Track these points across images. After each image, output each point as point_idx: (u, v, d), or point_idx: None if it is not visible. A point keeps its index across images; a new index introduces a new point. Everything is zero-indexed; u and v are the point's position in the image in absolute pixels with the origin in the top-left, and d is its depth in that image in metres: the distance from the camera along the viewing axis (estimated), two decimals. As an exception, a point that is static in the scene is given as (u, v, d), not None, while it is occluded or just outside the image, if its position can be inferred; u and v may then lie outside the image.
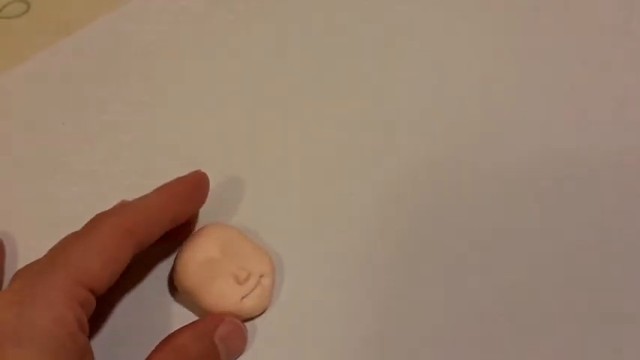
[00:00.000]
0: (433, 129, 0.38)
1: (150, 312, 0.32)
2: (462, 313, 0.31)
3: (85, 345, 0.27)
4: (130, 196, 0.31)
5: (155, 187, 0.31)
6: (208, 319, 0.30)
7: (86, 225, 0.29)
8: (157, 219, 0.30)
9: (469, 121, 0.38)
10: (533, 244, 0.33)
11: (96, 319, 0.31)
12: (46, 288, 0.26)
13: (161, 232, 0.30)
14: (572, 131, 0.37)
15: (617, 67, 0.40)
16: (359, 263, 0.33)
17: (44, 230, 0.29)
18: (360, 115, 0.38)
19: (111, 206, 0.30)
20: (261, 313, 0.31)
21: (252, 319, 0.31)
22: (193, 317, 0.31)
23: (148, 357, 0.28)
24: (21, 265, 0.28)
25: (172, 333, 0.29)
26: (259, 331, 0.31)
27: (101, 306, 0.32)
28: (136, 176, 0.36)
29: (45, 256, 0.28)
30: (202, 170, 0.33)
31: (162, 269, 0.33)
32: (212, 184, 0.33)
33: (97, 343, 0.29)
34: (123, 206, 0.30)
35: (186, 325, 0.29)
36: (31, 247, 0.29)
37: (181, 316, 0.31)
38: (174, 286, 0.32)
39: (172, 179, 0.32)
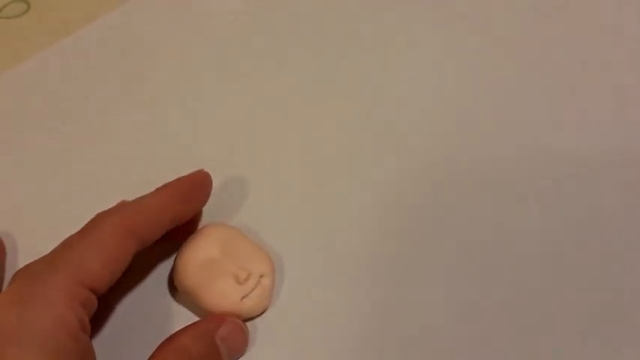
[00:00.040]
0: (433, 129, 0.38)
1: (150, 312, 0.32)
2: (462, 313, 0.31)
3: (86, 345, 0.27)
4: (130, 196, 0.31)
5: (156, 187, 0.31)
6: (210, 319, 0.30)
7: (86, 225, 0.29)
8: (158, 218, 0.30)
9: (469, 121, 0.38)
10: (533, 244, 0.33)
11: (97, 319, 0.31)
12: (46, 288, 0.26)
13: (162, 232, 0.30)
14: (573, 131, 0.37)
15: (617, 67, 0.40)
16: (359, 263, 0.33)
17: (44, 230, 0.29)
18: (360, 115, 0.38)
19: (111, 206, 0.30)
20: (261, 313, 0.31)
21: (252, 319, 0.31)
22: (193, 317, 0.31)
23: (149, 357, 0.28)
24: (21, 264, 0.28)
25: (174, 333, 0.29)
26: (259, 331, 0.31)
27: (102, 306, 0.32)
28: (136, 176, 0.36)
29: (45, 256, 0.28)
30: (205, 170, 0.33)
31: (163, 269, 0.33)
32: (213, 185, 0.33)
33: (98, 343, 0.29)
34: (123, 206, 0.30)
35: (187, 326, 0.29)
36: (31, 247, 0.29)
37: (181, 316, 0.31)
38: (174, 286, 0.32)
39: (174, 179, 0.32)
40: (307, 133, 0.38)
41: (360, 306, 0.32)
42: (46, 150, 0.38)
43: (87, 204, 0.30)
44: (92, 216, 0.29)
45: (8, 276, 0.30)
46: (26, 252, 0.34)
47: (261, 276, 0.31)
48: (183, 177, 0.32)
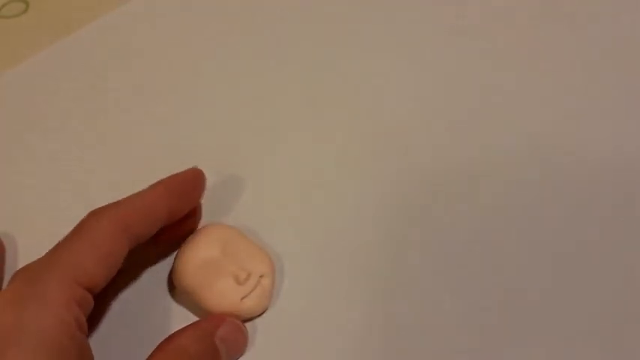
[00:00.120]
0: (433, 129, 0.38)
1: (149, 312, 0.32)
2: (463, 313, 0.31)
3: (83, 345, 0.27)
4: (130, 196, 0.31)
5: (154, 187, 0.31)
6: (209, 319, 0.30)
7: (79, 223, 0.29)
8: (151, 214, 0.29)
9: (469, 121, 0.38)
10: (534, 244, 0.33)
11: (95, 319, 0.32)
12: (44, 288, 0.26)
13: (156, 228, 0.30)
14: (573, 131, 0.37)
15: (617, 66, 0.40)
16: (359, 263, 0.33)
17: (44, 230, 0.29)
18: (361, 115, 0.38)
19: (111, 206, 0.30)
20: (261, 314, 0.31)
21: (252, 319, 0.31)
22: (193, 317, 0.31)
23: (148, 357, 0.28)
24: (21, 265, 0.28)
25: (173, 333, 0.29)
26: (259, 331, 0.31)
27: (101, 306, 0.32)
28: (136, 176, 0.36)
29: (42, 256, 0.28)
30: (199, 168, 0.33)
31: (162, 269, 0.33)
32: (212, 184, 0.33)
33: (97, 343, 0.29)
34: (116, 202, 0.30)
35: (187, 326, 0.29)
36: (31, 247, 0.29)
37: (181, 316, 0.31)
38: (173, 286, 0.32)
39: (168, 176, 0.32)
40: (308, 134, 0.38)
41: (360, 306, 0.32)
42: (45, 150, 0.38)
43: (87, 204, 0.30)
44: (90, 215, 0.29)
45: (8, 276, 0.30)
46: (26, 252, 0.34)
47: (261, 276, 0.31)
48: (176, 174, 0.32)
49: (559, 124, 0.37)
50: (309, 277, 0.33)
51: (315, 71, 0.41)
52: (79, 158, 0.37)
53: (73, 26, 0.43)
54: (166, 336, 0.29)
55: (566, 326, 0.31)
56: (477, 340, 0.30)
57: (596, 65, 0.40)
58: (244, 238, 0.32)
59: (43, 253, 0.28)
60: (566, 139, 0.37)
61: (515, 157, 0.36)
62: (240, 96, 0.40)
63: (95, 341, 0.29)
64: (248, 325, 0.31)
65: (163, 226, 0.30)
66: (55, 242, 0.28)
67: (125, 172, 0.37)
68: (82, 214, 0.29)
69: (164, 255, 0.33)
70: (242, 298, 0.30)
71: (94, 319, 0.31)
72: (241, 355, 0.30)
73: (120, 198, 0.31)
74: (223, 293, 0.30)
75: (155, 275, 0.33)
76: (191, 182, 0.32)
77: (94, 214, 0.29)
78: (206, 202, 0.34)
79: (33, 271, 0.27)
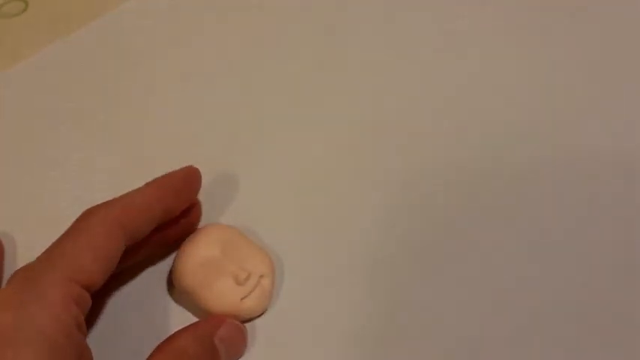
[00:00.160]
0: (433, 129, 0.38)
1: (149, 312, 0.32)
2: (463, 313, 0.31)
3: (82, 344, 0.27)
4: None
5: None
6: (209, 320, 0.30)
7: (75, 221, 0.29)
8: (146, 212, 0.29)
9: (469, 121, 0.38)
10: (534, 245, 0.33)
11: (95, 319, 0.32)
12: (42, 288, 0.26)
13: (151, 226, 0.30)
14: (574, 132, 0.37)
15: (617, 66, 0.40)
16: (359, 264, 0.33)
17: (44, 230, 0.29)
18: (362, 114, 0.38)
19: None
20: (261, 314, 0.31)
21: (251, 319, 0.31)
22: (192, 317, 0.31)
23: (148, 358, 0.28)
24: (20, 265, 0.28)
25: (173, 334, 0.29)
26: (259, 331, 0.31)
27: (100, 306, 0.32)
28: (135, 176, 0.36)
29: (40, 256, 0.28)
30: (196, 167, 0.32)
31: (162, 269, 0.33)
32: (212, 184, 0.33)
33: (96, 343, 0.29)
34: (111, 200, 0.30)
35: (186, 327, 0.29)
36: (30, 247, 0.29)
37: (180, 317, 0.31)
38: (173, 286, 0.32)
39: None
40: (308, 134, 0.38)
41: (360, 307, 0.32)
42: (45, 149, 0.38)
43: (86, 204, 0.30)
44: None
45: (7, 276, 0.30)
46: (26, 252, 0.34)
47: (260, 276, 0.31)
48: (171, 172, 0.32)
49: (559, 124, 0.37)
50: (309, 277, 0.33)
51: (316, 70, 0.40)
52: (78, 158, 0.37)
53: (72, 25, 0.43)
54: (166, 336, 0.29)
55: (567, 326, 0.31)
56: (478, 342, 0.30)
57: (596, 65, 0.40)
58: (244, 238, 0.32)
59: (42, 253, 0.28)
60: (567, 139, 0.37)
61: (516, 157, 0.36)
62: (241, 95, 0.40)
63: (94, 341, 0.29)
64: (248, 325, 0.31)
65: (160, 224, 0.30)
66: (55, 242, 0.28)
67: (124, 172, 0.36)
68: (81, 214, 0.29)
69: (164, 255, 0.33)
70: (242, 299, 0.30)
71: (93, 319, 0.31)
72: (241, 356, 0.30)
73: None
74: (223, 293, 0.30)
75: (155, 275, 0.33)
76: (186, 180, 0.32)
77: (89, 213, 0.29)
78: (206, 202, 0.34)
79: (31, 271, 0.27)
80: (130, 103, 0.39)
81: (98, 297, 0.29)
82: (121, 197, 0.30)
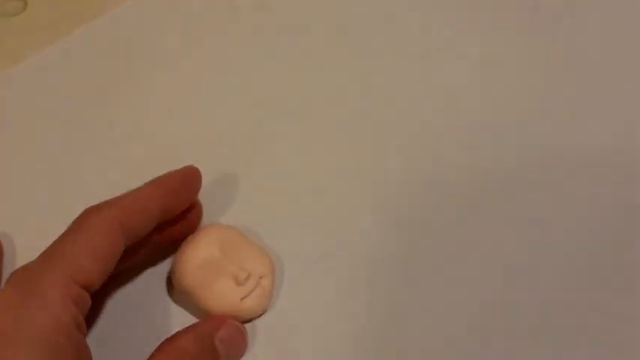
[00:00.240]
0: (434, 129, 0.38)
1: (148, 312, 0.32)
2: (463, 314, 0.31)
3: (81, 344, 0.27)
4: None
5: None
6: (209, 321, 0.30)
7: (75, 221, 0.28)
8: (145, 210, 0.29)
9: (470, 121, 0.38)
10: (534, 245, 0.33)
11: (94, 319, 0.31)
12: (41, 288, 0.26)
13: (151, 225, 0.30)
14: (574, 132, 0.37)
15: (617, 66, 0.40)
16: (359, 264, 0.33)
17: (43, 230, 0.29)
18: (362, 115, 0.38)
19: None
20: (261, 314, 0.31)
21: (251, 320, 0.31)
22: (192, 318, 0.31)
23: (148, 358, 0.28)
24: (20, 265, 0.28)
25: (173, 335, 0.29)
26: (259, 332, 0.31)
27: (100, 306, 0.32)
28: (135, 176, 0.36)
29: (39, 256, 0.28)
30: (196, 166, 0.32)
31: (162, 269, 0.33)
32: (212, 184, 0.33)
33: (96, 343, 0.29)
34: (110, 200, 0.29)
35: (187, 327, 0.29)
36: (30, 247, 0.29)
37: (180, 317, 0.31)
38: (173, 287, 0.32)
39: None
40: (308, 134, 0.38)
41: (360, 307, 0.32)
42: (44, 150, 0.38)
43: (86, 204, 0.30)
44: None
45: (6, 277, 0.30)
46: (25, 252, 0.33)
47: (260, 277, 0.31)
48: (171, 172, 0.32)
49: (559, 124, 0.37)
50: (309, 277, 0.33)
51: (316, 70, 0.40)
52: (78, 158, 0.37)
53: (72, 25, 0.43)
54: (166, 336, 0.29)
55: (567, 326, 0.31)
56: (478, 343, 0.30)
57: (596, 65, 0.40)
58: (244, 238, 0.32)
59: (42, 254, 0.28)
60: (567, 139, 0.37)
61: (516, 158, 0.36)
62: (241, 95, 0.40)
63: (94, 341, 0.29)
64: (248, 325, 0.31)
65: (160, 224, 0.30)
66: (53, 242, 0.28)
67: (124, 172, 0.36)
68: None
69: (164, 255, 0.33)
70: (242, 299, 0.30)
71: (93, 319, 0.31)
72: (241, 356, 0.30)
73: (118, 197, 0.31)
74: (223, 294, 0.30)
75: (154, 275, 0.33)
76: (186, 180, 0.32)
77: (88, 212, 0.29)
78: (206, 202, 0.34)
79: (30, 271, 0.27)
80: (130, 103, 0.39)
81: (98, 297, 0.29)
82: (121, 197, 0.30)
